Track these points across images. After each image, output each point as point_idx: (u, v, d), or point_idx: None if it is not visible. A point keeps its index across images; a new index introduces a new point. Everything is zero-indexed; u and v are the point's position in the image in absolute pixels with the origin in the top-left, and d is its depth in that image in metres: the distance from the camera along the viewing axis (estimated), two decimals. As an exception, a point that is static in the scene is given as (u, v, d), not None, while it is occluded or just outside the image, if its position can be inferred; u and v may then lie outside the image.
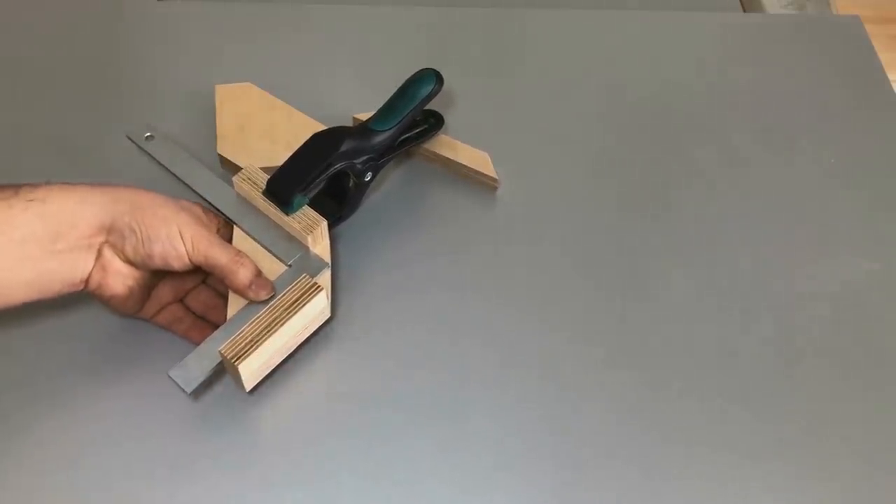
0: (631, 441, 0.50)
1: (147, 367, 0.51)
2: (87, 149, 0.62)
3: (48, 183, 0.45)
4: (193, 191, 0.55)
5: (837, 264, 0.59)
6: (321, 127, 0.59)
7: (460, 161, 0.61)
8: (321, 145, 0.54)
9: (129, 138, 0.57)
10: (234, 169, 0.57)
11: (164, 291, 0.52)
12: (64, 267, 0.45)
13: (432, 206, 0.61)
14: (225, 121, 0.59)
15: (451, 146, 0.62)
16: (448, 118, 0.63)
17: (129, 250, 0.46)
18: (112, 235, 0.46)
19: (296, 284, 0.49)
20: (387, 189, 0.62)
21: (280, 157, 0.55)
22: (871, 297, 0.57)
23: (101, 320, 0.53)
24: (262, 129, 0.59)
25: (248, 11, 0.75)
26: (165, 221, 0.46)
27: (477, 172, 0.61)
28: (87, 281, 0.46)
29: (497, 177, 0.61)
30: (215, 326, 0.49)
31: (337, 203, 0.57)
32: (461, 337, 0.54)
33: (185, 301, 0.53)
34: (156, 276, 0.50)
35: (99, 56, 0.71)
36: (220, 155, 0.60)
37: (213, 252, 0.47)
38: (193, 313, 0.53)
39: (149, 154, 0.57)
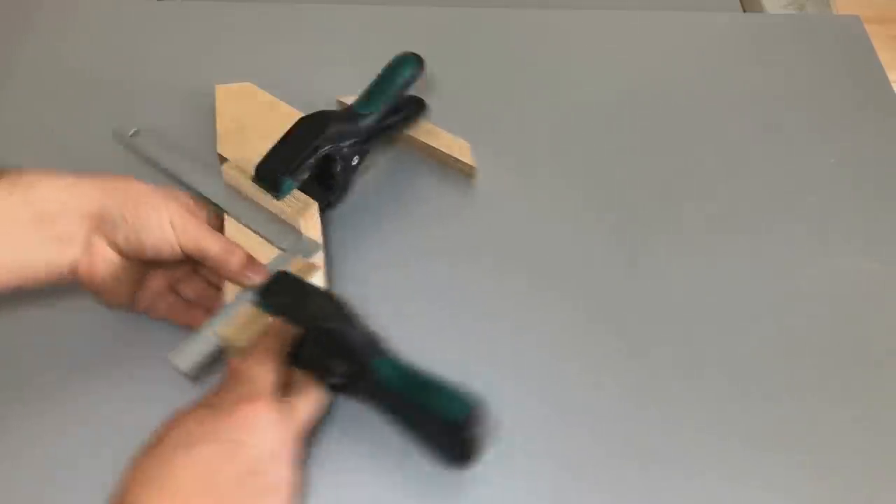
0: (629, 438, 0.50)
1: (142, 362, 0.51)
2: (86, 149, 0.62)
3: (33, 170, 0.45)
4: (182, 182, 0.54)
5: (837, 264, 0.59)
6: (321, 126, 0.59)
7: (440, 148, 0.62)
8: (308, 129, 0.54)
9: (115, 136, 0.56)
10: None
11: (157, 281, 0.52)
12: (49, 253, 0.44)
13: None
14: (225, 121, 0.59)
15: (432, 133, 0.63)
16: (444, 116, 0.63)
17: (120, 240, 0.46)
18: (104, 225, 0.45)
19: (292, 266, 0.50)
20: (373, 176, 0.62)
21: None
22: (871, 297, 0.57)
23: (95, 317, 0.53)
24: (262, 129, 0.59)
25: (247, 11, 0.75)
26: (156, 211, 0.46)
27: (455, 160, 0.62)
28: (75, 269, 0.46)
29: (475, 165, 0.61)
30: (211, 312, 0.49)
31: (326, 189, 0.57)
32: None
33: (178, 290, 0.53)
34: (144, 266, 0.49)
35: (99, 56, 0.71)
36: (220, 155, 0.60)
37: (205, 241, 0.47)
38: (188, 301, 0.53)
39: (135, 150, 0.56)
